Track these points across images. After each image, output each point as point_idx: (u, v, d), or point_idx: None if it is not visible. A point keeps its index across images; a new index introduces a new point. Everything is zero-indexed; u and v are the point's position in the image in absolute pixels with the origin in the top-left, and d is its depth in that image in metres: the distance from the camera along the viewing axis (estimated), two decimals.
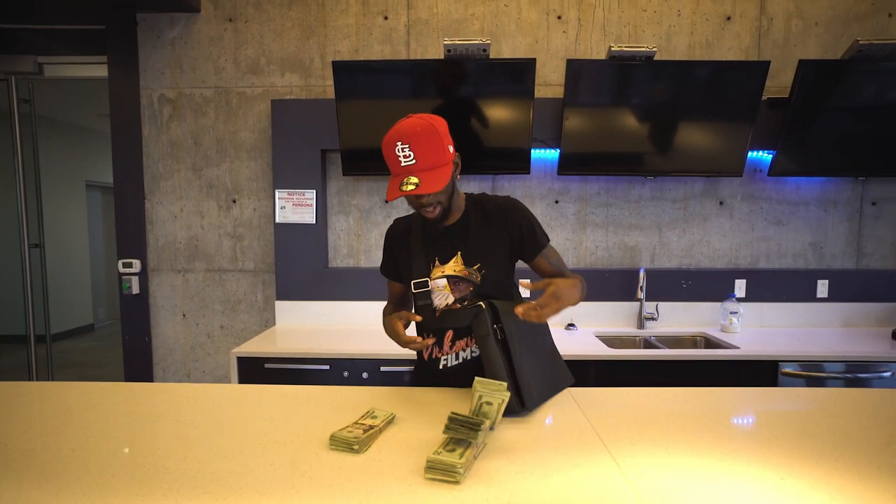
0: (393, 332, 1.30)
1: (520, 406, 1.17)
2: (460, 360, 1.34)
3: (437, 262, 1.34)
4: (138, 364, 3.01)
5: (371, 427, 1.02)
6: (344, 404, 1.23)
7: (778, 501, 0.80)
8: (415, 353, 1.44)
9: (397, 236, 1.43)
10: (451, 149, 1.24)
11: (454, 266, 1.32)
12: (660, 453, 0.98)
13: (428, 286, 1.32)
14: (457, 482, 0.83)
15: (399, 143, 1.16)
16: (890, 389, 1.50)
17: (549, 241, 1.37)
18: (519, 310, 1.13)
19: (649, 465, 0.93)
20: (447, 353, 1.35)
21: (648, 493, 0.83)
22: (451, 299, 1.32)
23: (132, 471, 0.89)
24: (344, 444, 0.96)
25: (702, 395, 1.34)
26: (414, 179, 1.15)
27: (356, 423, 1.05)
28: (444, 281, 1.32)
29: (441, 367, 1.36)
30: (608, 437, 1.05)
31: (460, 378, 1.32)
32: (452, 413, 0.94)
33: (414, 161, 1.16)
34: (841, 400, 1.32)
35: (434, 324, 1.34)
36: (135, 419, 1.15)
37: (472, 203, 1.38)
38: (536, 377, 1.25)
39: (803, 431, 1.10)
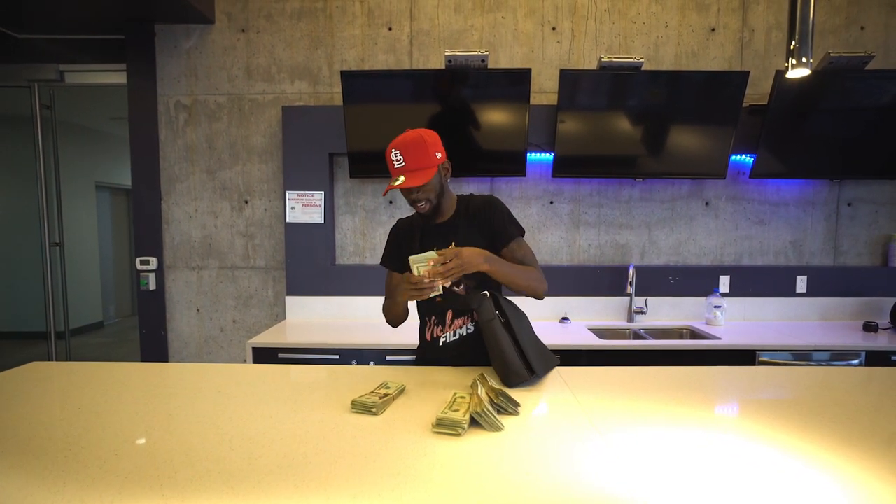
0: (396, 289, 1.50)
1: (529, 373, 1.38)
2: (458, 337, 1.55)
3: (435, 251, 1.53)
4: (154, 356, 3.18)
5: (386, 395, 1.20)
6: (359, 380, 1.40)
7: (748, 463, 0.97)
8: (417, 341, 1.66)
9: (403, 232, 1.66)
10: (439, 155, 1.49)
11: None
12: (627, 413, 1.15)
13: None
14: (458, 435, 1.01)
15: (393, 150, 1.45)
16: (847, 367, 1.67)
17: (519, 235, 1.56)
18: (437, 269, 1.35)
19: (615, 420, 1.10)
20: (447, 331, 1.56)
21: (617, 444, 1.00)
22: (448, 283, 1.51)
23: (192, 426, 1.07)
24: (363, 407, 1.13)
25: (670, 372, 1.51)
26: (402, 178, 1.42)
27: (373, 391, 1.22)
28: None
29: (441, 343, 1.57)
30: (585, 402, 1.23)
31: (458, 351, 1.54)
32: (501, 390, 1.16)
33: (403, 164, 1.43)
34: (786, 375, 1.49)
35: (437, 306, 1.55)
36: (181, 390, 1.34)
37: (462, 202, 1.61)
38: (536, 352, 1.46)
39: (747, 397, 1.27)
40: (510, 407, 1.13)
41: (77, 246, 6.01)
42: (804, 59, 1.63)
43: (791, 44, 1.63)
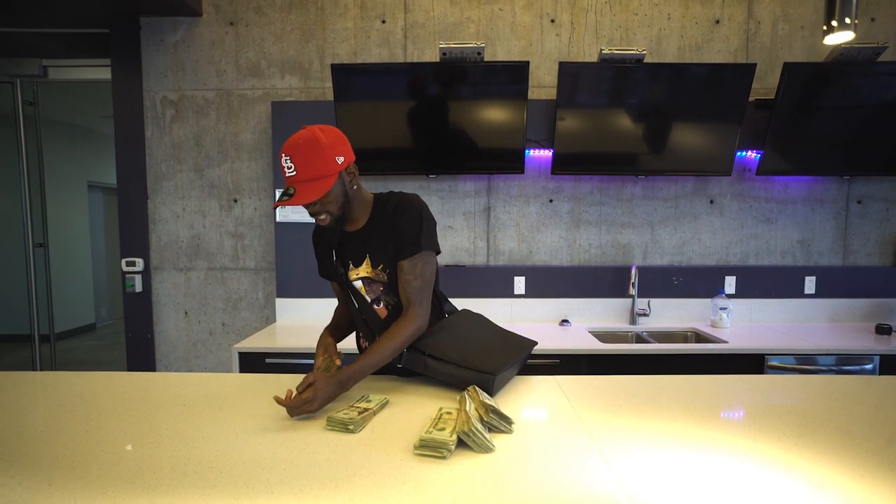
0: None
1: (489, 376, 1.25)
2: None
3: (351, 265, 1.41)
4: (141, 361, 3.08)
5: (365, 410, 1.09)
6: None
7: (753, 483, 0.87)
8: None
9: (319, 239, 1.50)
10: (341, 159, 1.25)
11: (366, 269, 1.39)
12: (634, 432, 1.05)
13: (353, 288, 1.42)
14: (444, 458, 0.90)
15: (284, 155, 1.22)
16: (869, 376, 1.57)
17: (419, 251, 1.31)
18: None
19: (623, 441, 1.00)
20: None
21: (623, 469, 0.89)
22: (368, 299, 1.41)
23: (142, 449, 0.96)
24: (340, 424, 1.03)
25: (678, 382, 1.41)
26: (291, 190, 1.21)
27: (352, 406, 1.12)
28: (360, 282, 1.41)
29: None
30: (587, 417, 1.12)
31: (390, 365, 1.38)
32: (493, 406, 1.05)
33: (295, 172, 1.20)
34: (807, 385, 1.38)
35: (365, 326, 1.45)
36: (142, 404, 1.22)
37: (377, 205, 1.40)
38: (486, 351, 1.33)
39: (766, 411, 1.17)
40: (503, 424, 1.02)
41: (68, 247, 5.91)
42: (847, 21, 1.43)
43: (834, 4, 1.42)
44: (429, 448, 0.91)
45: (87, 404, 1.21)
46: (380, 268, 1.37)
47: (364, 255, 1.38)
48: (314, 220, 1.33)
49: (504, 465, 0.90)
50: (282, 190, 1.23)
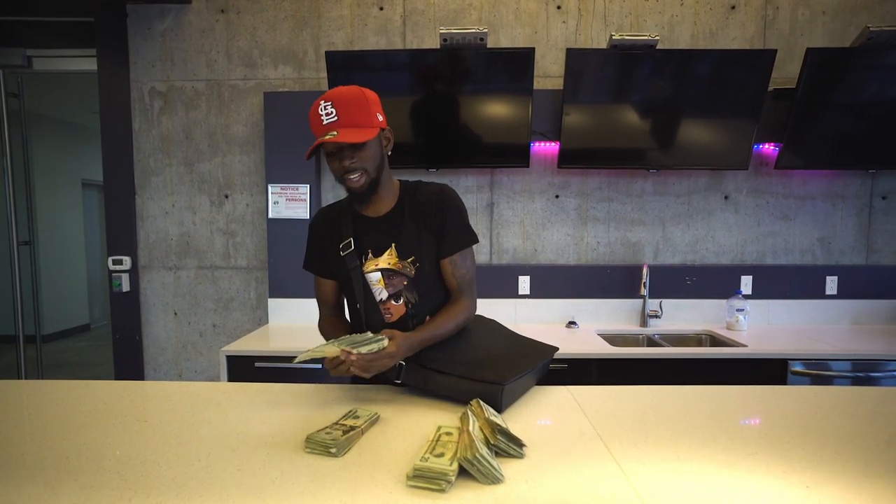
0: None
1: (498, 386, 1.10)
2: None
3: (370, 254, 1.26)
4: (129, 363, 2.95)
5: (352, 428, 0.94)
6: (327, 403, 1.15)
7: None
8: None
9: (325, 225, 1.33)
10: (381, 118, 1.20)
11: (388, 259, 1.25)
12: (667, 457, 0.90)
13: (362, 275, 1.27)
14: (443, 491, 0.76)
15: (322, 103, 1.13)
16: None
17: (470, 244, 1.29)
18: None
19: (655, 469, 0.85)
20: None
21: (653, 499, 0.75)
22: (384, 294, 1.26)
23: (82, 475, 0.82)
24: (321, 446, 0.88)
25: (707, 394, 1.26)
26: (334, 132, 1.11)
27: (336, 423, 0.97)
28: (379, 275, 1.26)
29: None
30: (610, 438, 0.97)
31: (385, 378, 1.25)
32: (500, 425, 0.91)
33: (336, 118, 1.12)
34: (856, 399, 1.24)
35: (373, 323, 1.29)
36: (93, 418, 1.07)
37: (406, 191, 1.30)
38: (494, 359, 1.21)
39: (818, 433, 1.02)
40: (512, 448, 0.87)
41: (61, 246, 5.78)
42: None
43: None
44: (424, 479, 0.76)
45: (39, 417, 1.07)
46: (409, 260, 1.24)
47: (389, 244, 1.25)
48: (319, 206, 1.23)
49: (516, 501, 0.75)
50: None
